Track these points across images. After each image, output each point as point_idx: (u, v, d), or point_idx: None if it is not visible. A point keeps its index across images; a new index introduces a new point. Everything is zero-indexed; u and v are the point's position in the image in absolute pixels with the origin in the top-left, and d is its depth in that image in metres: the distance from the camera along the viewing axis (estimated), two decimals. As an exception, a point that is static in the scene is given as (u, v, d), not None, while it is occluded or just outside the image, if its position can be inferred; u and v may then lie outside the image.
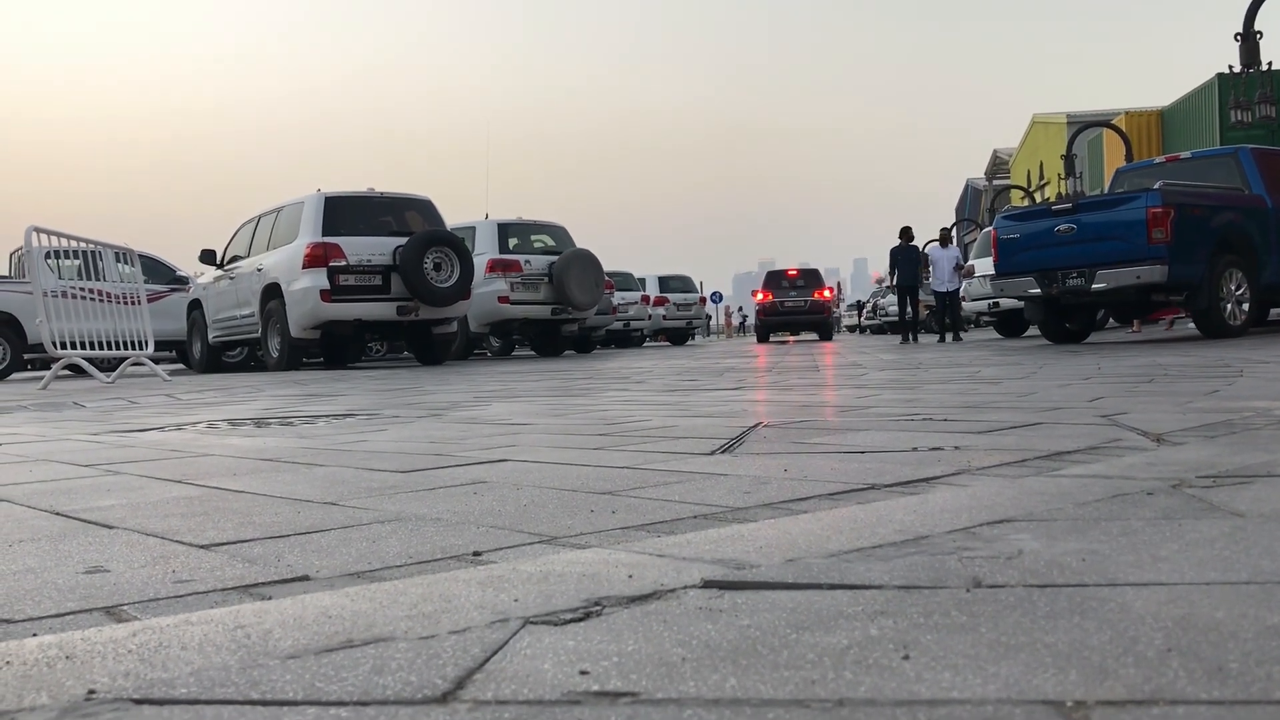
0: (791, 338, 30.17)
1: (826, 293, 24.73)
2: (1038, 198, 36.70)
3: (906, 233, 17.02)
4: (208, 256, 13.85)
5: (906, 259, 16.79)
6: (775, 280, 24.47)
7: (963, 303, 17.53)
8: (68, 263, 12.64)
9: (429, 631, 0.89)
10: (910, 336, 16.76)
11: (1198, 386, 3.76)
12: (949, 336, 16.50)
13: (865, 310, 42.47)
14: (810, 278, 24.55)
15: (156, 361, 11.60)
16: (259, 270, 12.45)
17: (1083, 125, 26.84)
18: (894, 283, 17.08)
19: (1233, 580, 0.96)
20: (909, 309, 16.99)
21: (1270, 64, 16.31)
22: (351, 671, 0.79)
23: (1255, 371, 4.45)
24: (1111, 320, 17.15)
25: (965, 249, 17.25)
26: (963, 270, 16.66)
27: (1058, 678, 0.72)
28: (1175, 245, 9.29)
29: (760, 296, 24.43)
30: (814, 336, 28.94)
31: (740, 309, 51.92)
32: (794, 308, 24.14)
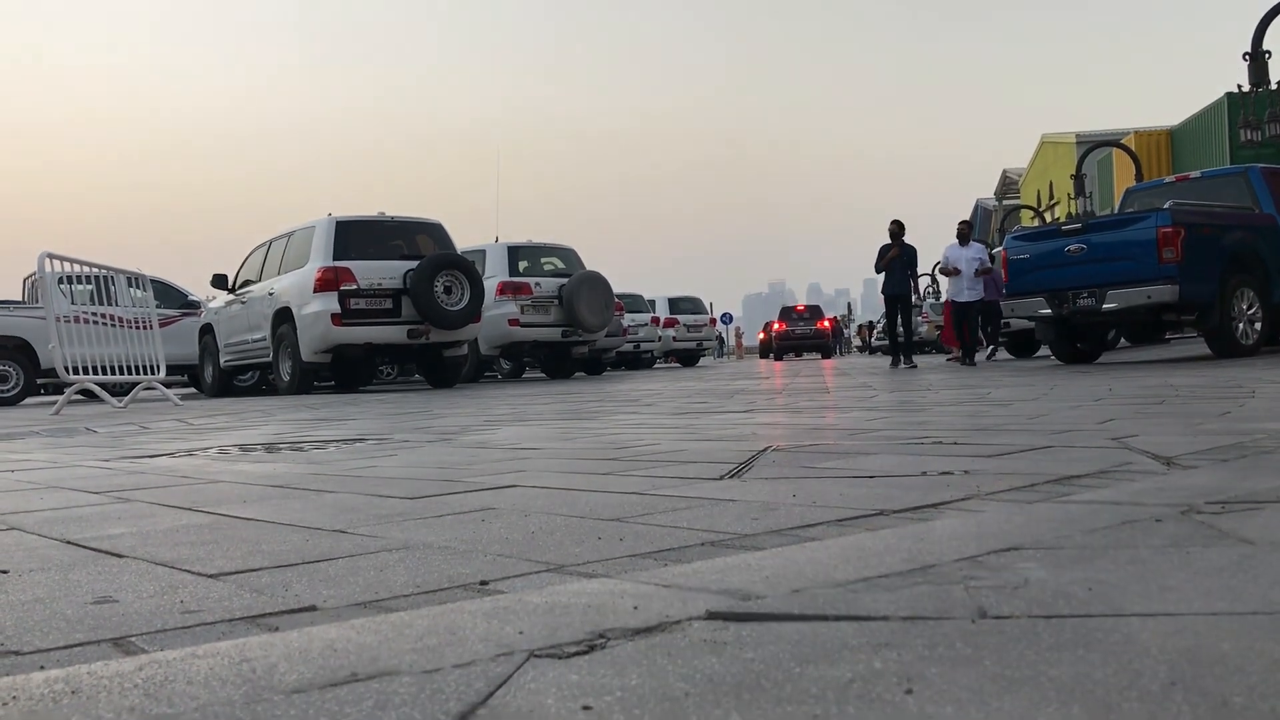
0: (795, 357, 36.18)
1: (826, 323, 35.48)
2: (1048, 218, 36.69)
3: (896, 229, 13.66)
4: (219, 281, 13.92)
5: (895, 261, 13.62)
6: (787, 313, 35.46)
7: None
8: (80, 288, 12.72)
9: (434, 665, 0.89)
10: (900, 358, 13.72)
11: (1209, 408, 3.74)
12: (987, 352, 13.71)
13: (876, 331, 42.64)
14: (814, 311, 35.64)
15: (168, 386, 11.65)
16: (270, 294, 12.51)
17: (1092, 145, 26.86)
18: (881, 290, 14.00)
19: (1240, 611, 0.95)
20: (899, 325, 13.77)
21: (1279, 83, 16.32)
22: (355, 707, 0.80)
23: (1267, 392, 4.43)
24: (1123, 340, 17.03)
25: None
26: (981, 270, 13.51)
27: (1061, 712, 0.71)
28: (1186, 265, 9.27)
29: (776, 326, 35.18)
30: (817, 356, 35.69)
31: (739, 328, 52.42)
32: (801, 334, 34.54)
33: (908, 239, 13.76)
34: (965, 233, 13.99)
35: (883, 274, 13.72)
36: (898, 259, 13.59)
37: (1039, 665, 0.82)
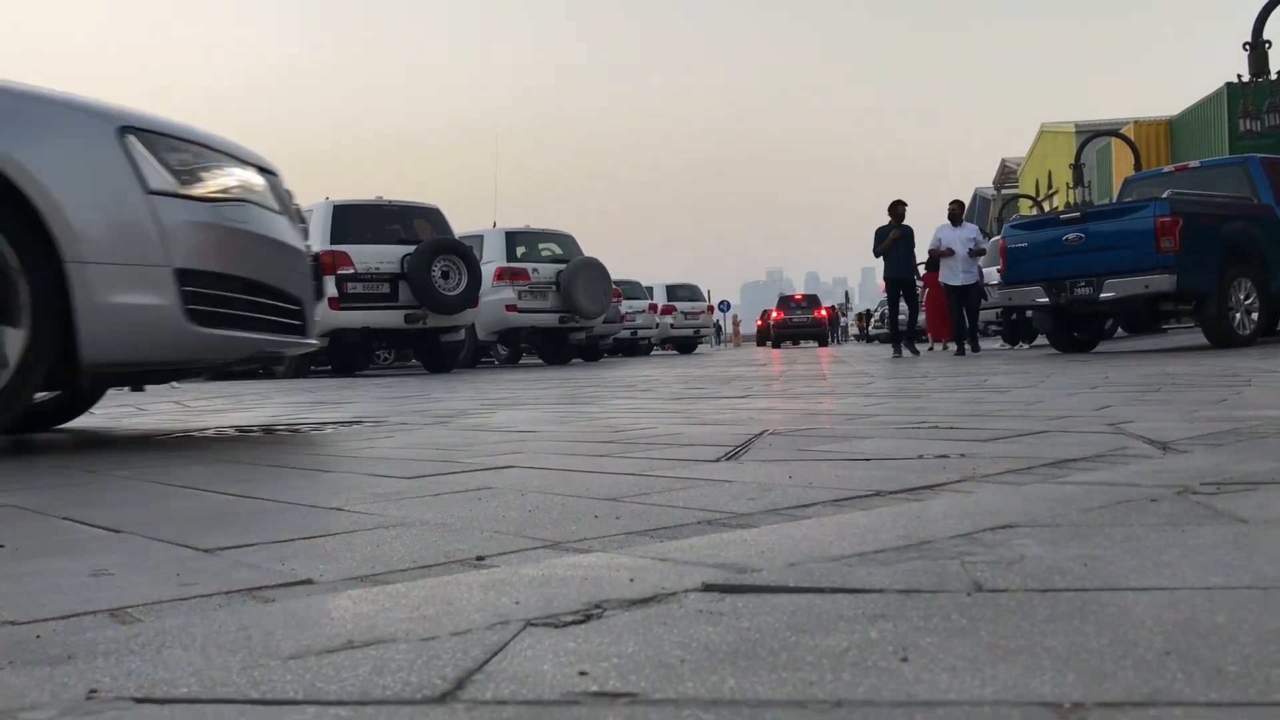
0: (793, 345, 36.80)
1: (823, 311, 37.05)
2: (1046, 207, 36.70)
3: (897, 210, 12.98)
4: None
5: (897, 243, 12.92)
6: (785, 302, 37.15)
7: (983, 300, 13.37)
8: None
9: (430, 633, 0.90)
10: (903, 347, 13.17)
11: (1205, 395, 3.75)
12: (967, 345, 12.89)
13: (873, 319, 42.76)
14: (811, 300, 37.24)
15: (165, 369, 11.61)
16: (267, 278, 12.49)
17: (1091, 134, 26.86)
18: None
19: (1234, 585, 0.95)
20: (901, 311, 13.23)
21: (1279, 73, 16.30)
22: (352, 672, 0.80)
23: (1263, 380, 4.44)
24: (1120, 330, 17.02)
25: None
26: (975, 251, 12.82)
27: (1056, 680, 0.72)
28: (1184, 254, 9.28)
29: (774, 314, 36.55)
30: (814, 344, 36.64)
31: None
32: (799, 322, 35.92)
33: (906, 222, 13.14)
34: (958, 213, 13.23)
35: (882, 258, 13.06)
36: (900, 241, 12.92)
37: (1034, 636, 0.82)
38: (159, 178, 3.16)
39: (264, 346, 3.52)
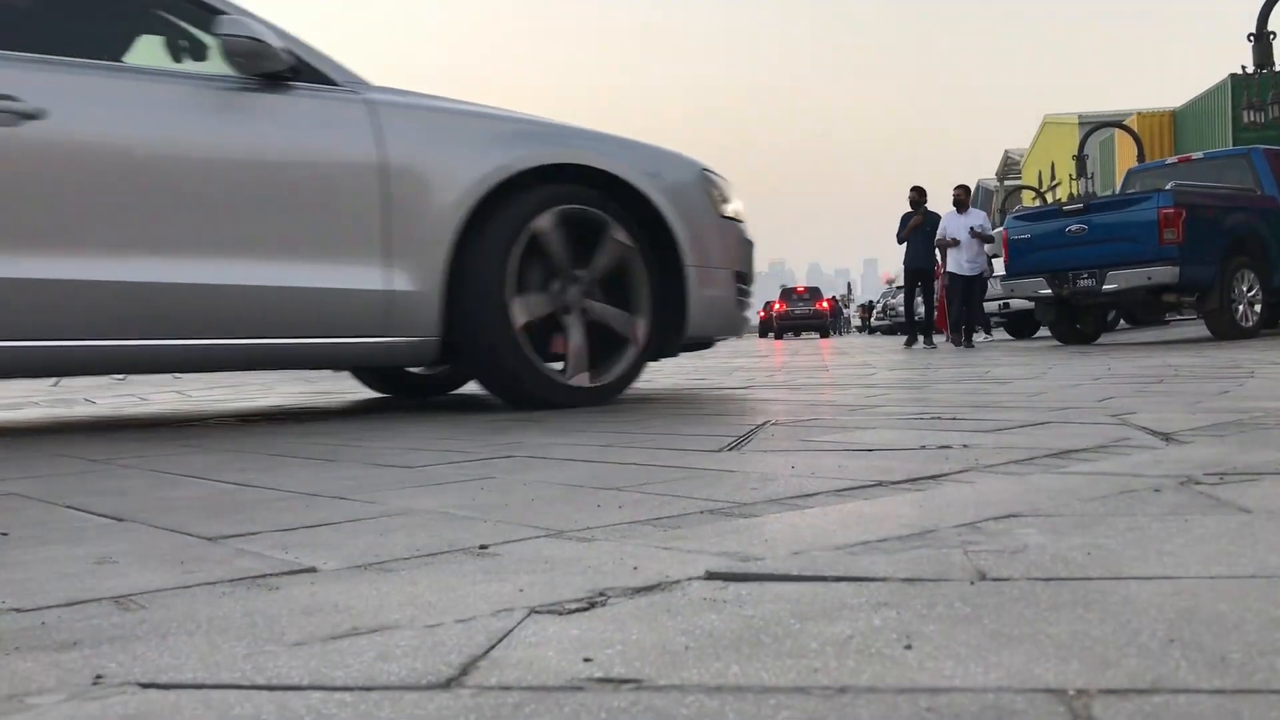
0: (794, 336, 38.12)
1: (825, 303, 38.62)
2: (1049, 198, 36.66)
3: (918, 196, 12.61)
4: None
5: (918, 231, 12.51)
6: (788, 294, 38.52)
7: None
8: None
9: (434, 620, 0.90)
10: (919, 337, 12.81)
11: (1208, 387, 3.75)
12: (964, 335, 12.20)
13: (875, 311, 42.74)
14: (813, 292, 38.95)
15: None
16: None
17: (1094, 126, 26.82)
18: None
19: (1238, 574, 0.96)
20: (918, 301, 12.85)
21: (1283, 65, 16.25)
22: (356, 658, 0.80)
23: (1266, 372, 4.43)
24: (1123, 322, 17.00)
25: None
26: (979, 235, 12.32)
27: (1060, 667, 0.72)
28: (1187, 246, 9.27)
29: (777, 306, 38.05)
30: (816, 335, 37.32)
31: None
32: (801, 314, 37.31)
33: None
34: (963, 199, 12.68)
35: (904, 245, 12.66)
36: (921, 228, 12.47)
37: (1038, 624, 0.82)
38: (720, 205, 4.29)
39: (746, 325, 4.72)
